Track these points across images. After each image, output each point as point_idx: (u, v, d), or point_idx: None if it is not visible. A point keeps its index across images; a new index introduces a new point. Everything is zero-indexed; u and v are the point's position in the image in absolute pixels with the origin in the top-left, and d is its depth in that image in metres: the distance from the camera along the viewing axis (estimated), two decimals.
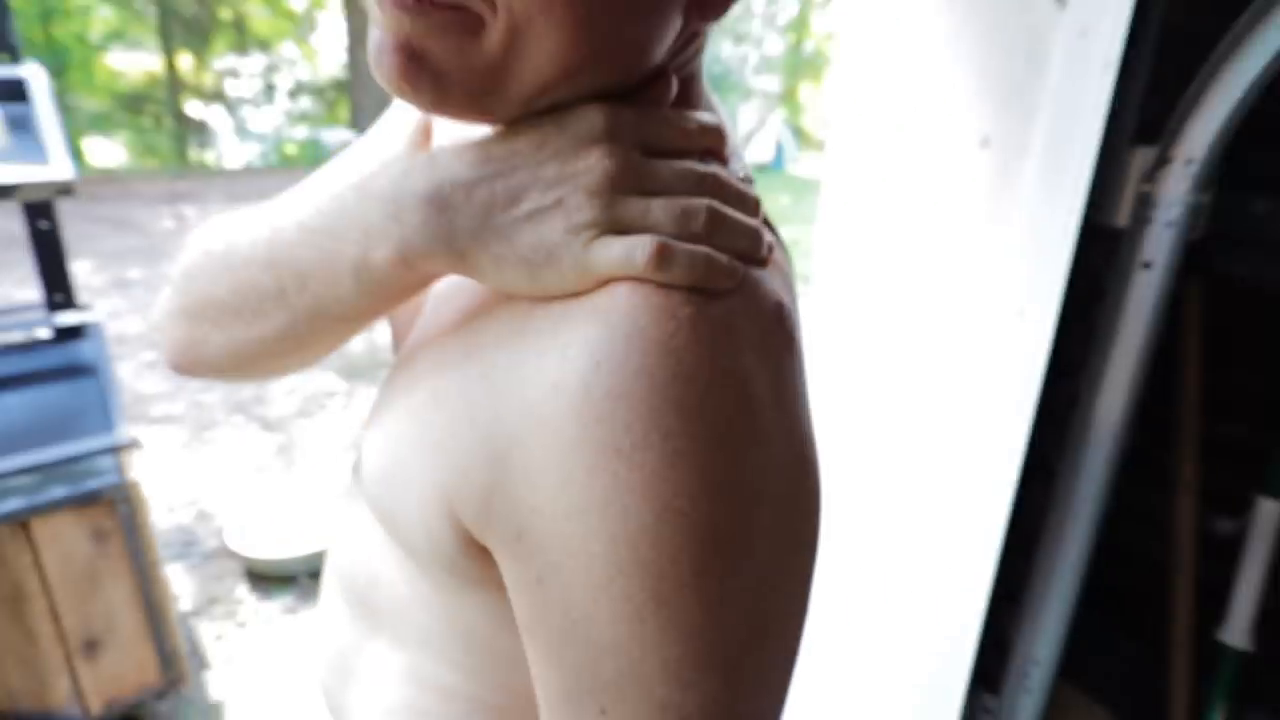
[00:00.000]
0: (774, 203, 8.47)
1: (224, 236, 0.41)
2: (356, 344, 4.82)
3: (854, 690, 1.23)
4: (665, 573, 0.24)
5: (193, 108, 12.00)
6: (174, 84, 11.70)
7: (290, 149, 10.99)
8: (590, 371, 0.26)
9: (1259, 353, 1.17)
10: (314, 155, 10.11)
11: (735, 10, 0.33)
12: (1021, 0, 0.87)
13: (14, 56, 1.23)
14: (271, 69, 12.53)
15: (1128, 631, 1.36)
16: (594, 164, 0.28)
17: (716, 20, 0.32)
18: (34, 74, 1.24)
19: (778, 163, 10.09)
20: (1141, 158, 0.86)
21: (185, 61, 11.95)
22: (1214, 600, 1.15)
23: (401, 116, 0.48)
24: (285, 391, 3.94)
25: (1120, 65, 0.80)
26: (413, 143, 0.37)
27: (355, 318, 0.36)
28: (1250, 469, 1.13)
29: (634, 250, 0.27)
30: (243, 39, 12.30)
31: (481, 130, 0.31)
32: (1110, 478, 0.95)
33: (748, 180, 0.34)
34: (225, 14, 11.98)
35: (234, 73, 12.35)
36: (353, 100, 10.82)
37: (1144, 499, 1.22)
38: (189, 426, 3.50)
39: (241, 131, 11.61)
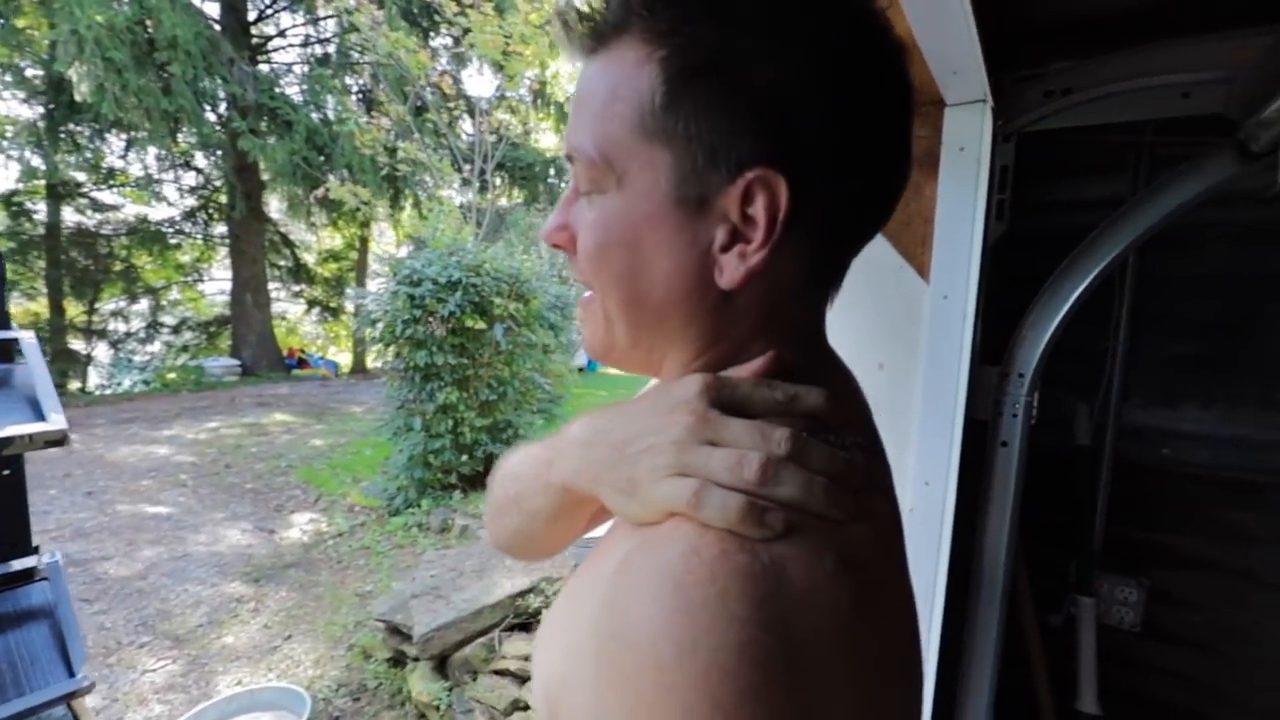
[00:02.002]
0: (595, 397, 9.33)
1: (509, 459, 0.55)
2: (262, 548, 4.19)
3: None
4: None
5: (76, 343, 12.77)
6: (57, 326, 11.85)
7: (170, 375, 11.58)
8: (622, 593, 0.30)
9: (1061, 498, 1.59)
10: (196, 379, 11.25)
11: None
12: (898, 277, 1.21)
13: (4, 323, 1.37)
14: (157, 308, 14.08)
15: (1008, 714, 1.67)
16: (679, 419, 0.35)
17: (734, 287, 0.37)
18: (26, 337, 1.36)
19: (592, 366, 12.37)
20: (993, 373, 1.22)
21: (73, 306, 12.74)
22: (1067, 677, 1.50)
23: None
24: (190, 603, 3.32)
25: (974, 316, 1.15)
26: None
27: (555, 522, 0.47)
28: (1062, 578, 1.52)
29: (680, 489, 0.33)
30: (132, 286, 13.59)
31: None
32: (1003, 608, 1.24)
33: (853, 447, 0.37)
34: (117, 266, 13.14)
35: (122, 314, 13.70)
36: (234, 333, 12.86)
37: None
38: (91, 650, 2.86)
39: (122, 363, 12.32)
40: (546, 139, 12.61)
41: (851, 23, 0.37)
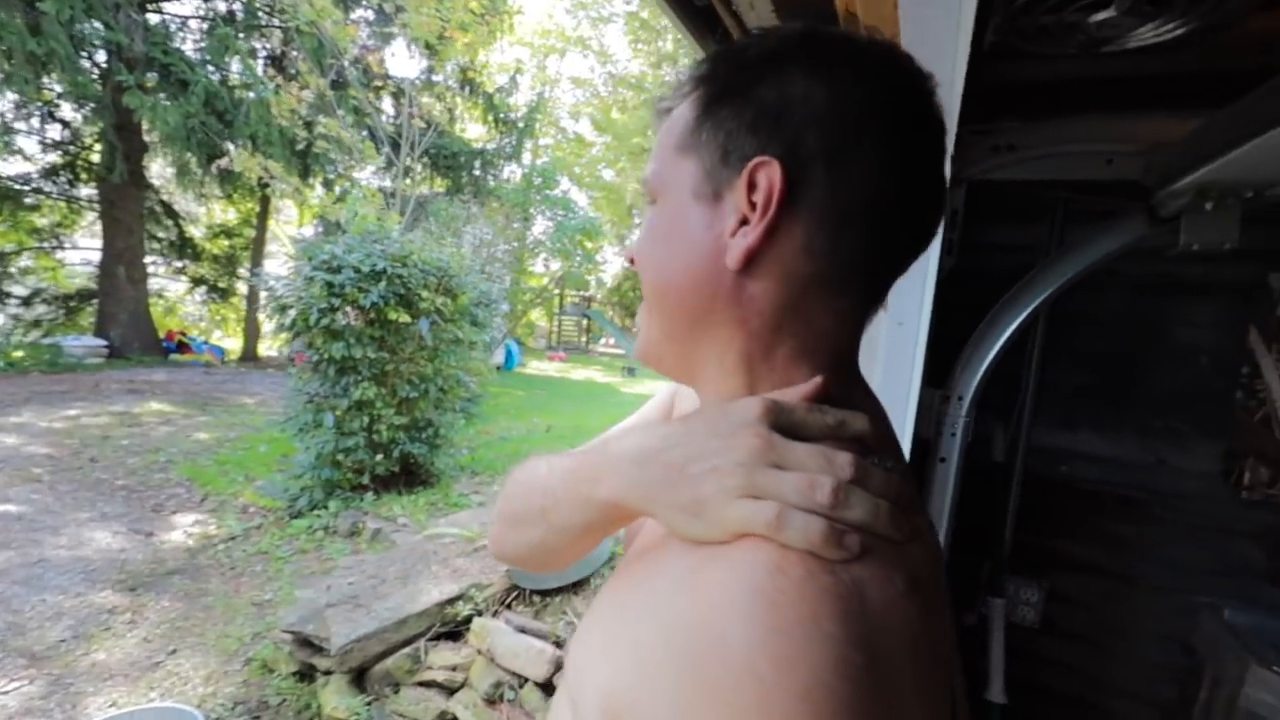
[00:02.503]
0: (512, 397, 9.18)
1: (528, 469, 0.55)
2: (138, 552, 3.72)
3: None
4: None
5: None
6: None
7: (17, 354, 9.68)
8: (708, 613, 0.31)
9: (979, 508, 1.77)
10: (51, 360, 9.69)
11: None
12: None
13: None
14: (4, 276, 12.25)
15: None
16: (743, 441, 0.36)
17: (737, 265, 0.42)
18: None
19: (509, 364, 12.53)
20: (937, 395, 1.34)
21: None
22: (979, 671, 1.66)
23: (663, 394, 0.71)
24: (50, 615, 2.88)
25: (925, 343, 1.26)
26: (652, 417, 0.66)
27: (584, 536, 0.48)
28: (976, 580, 1.69)
29: (759, 511, 0.33)
30: None
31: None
32: None
33: (893, 469, 0.39)
34: None
35: None
36: (102, 309, 11.35)
37: None
38: None
39: None
40: (473, 130, 12.25)
41: (843, 52, 0.43)
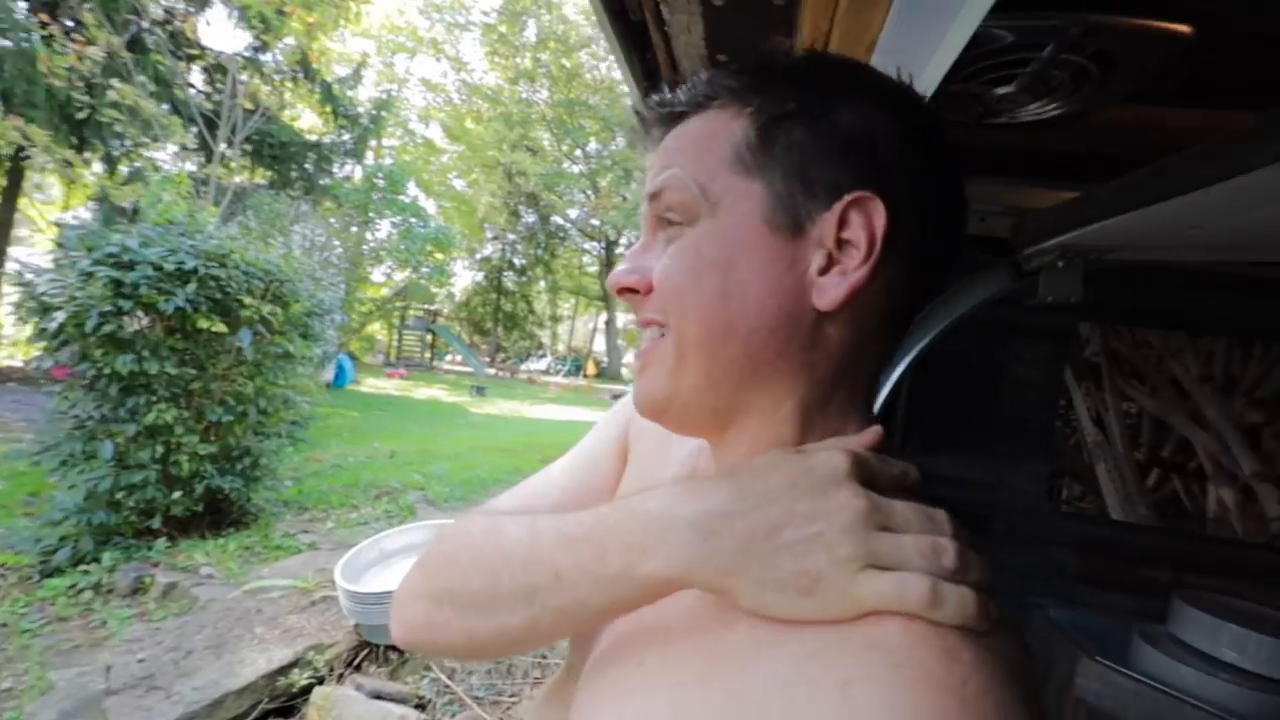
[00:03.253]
0: (346, 418, 8.40)
1: (485, 534, 0.45)
2: None
3: None
4: None
5: None
6: None
7: None
8: (888, 711, 0.26)
9: None
10: None
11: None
12: None
13: None
14: None
15: None
16: (845, 502, 0.32)
17: (835, 307, 0.38)
18: None
19: (340, 381, 11.38)
20: None
21: None
22: None
23: (611, 431, 0.62)
24: None
25: None
26: (604, 456, 0.58)
27: (591, 620, 0.39)
28: None
29: (906, 586, 0.29)
30: None
31: (724, 468, 0.41)
32: None
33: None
34: None
35: None
36: None
37: None
38: None
39: None
40: (309, 122, 11.05)
41: (891, 87, 0.42)
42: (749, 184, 0.39)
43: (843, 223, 0.38)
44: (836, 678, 0.29)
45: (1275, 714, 1.13)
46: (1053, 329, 1.76)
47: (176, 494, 3.74)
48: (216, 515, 4.11)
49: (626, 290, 0.44)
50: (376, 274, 12.87)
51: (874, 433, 0.40)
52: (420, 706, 2.08)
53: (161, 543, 3.72)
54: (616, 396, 16.57)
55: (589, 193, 24.28)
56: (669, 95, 0.44)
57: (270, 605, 2.63)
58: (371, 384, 13.23)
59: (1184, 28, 0.91)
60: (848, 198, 0.38)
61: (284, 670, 2.16)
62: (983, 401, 1.79)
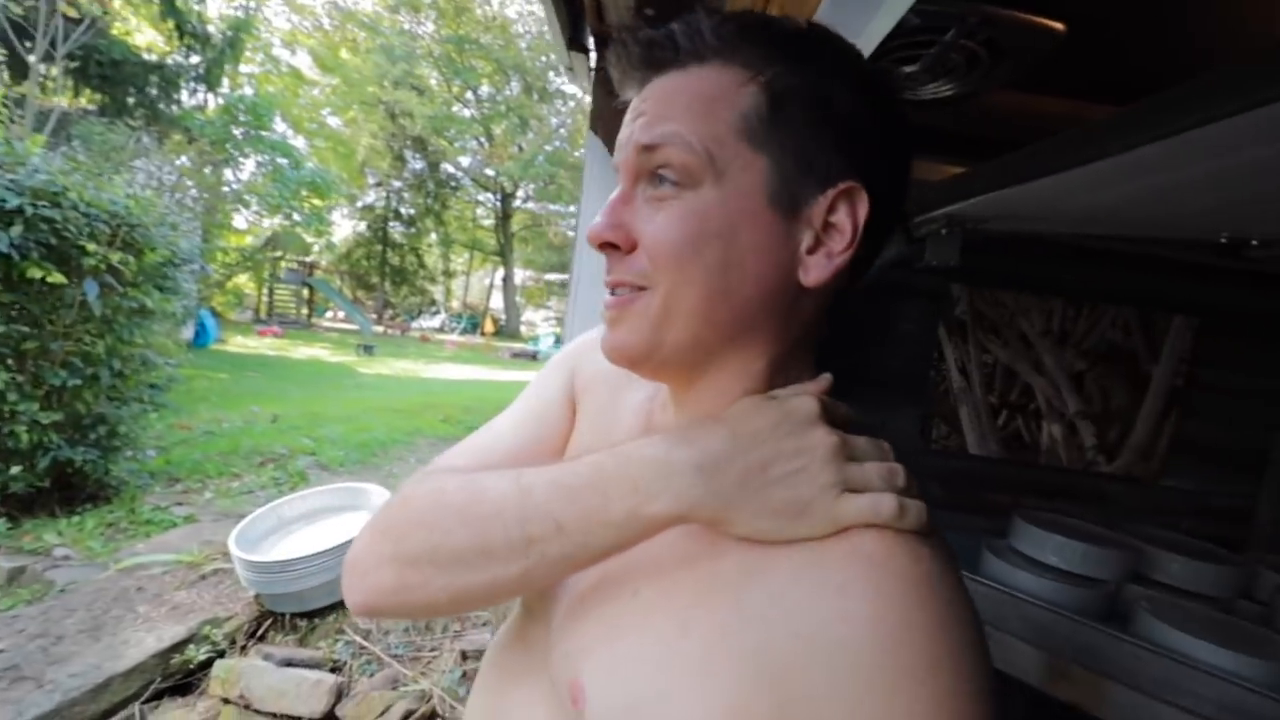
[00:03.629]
0: (213, 380, 7.57)
1: (463, 491, 0.46)
2: None
3: None
4: None
5: None
6: None
7: None
8: (882, 603, 0.33)
9: None
10: None
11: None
12: None
13: None
14: None
15: None
16: (821, 439, 0.38)
17: (818, 284, 0.42)
18: None
19: (203, 340, 10.12)
20: None
21: None
22: None
23: (555, 385, 0.63)
24: None
25: None
26: (556, 403, 0.60)
27: (588, 563, 0.42)
28: None
29: (879, 503, 0.36)
30: None
31: (705, 415, 0.43)
32: None
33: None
34: None
35: None
36: None
37: None
38: None
39: None
40: (146, 36, 9.47)
41: (878, 76, 0.45)
42: (755, 156, 0.40)
43: (832, 207, 0.41)
44: (833, 582, 0.34)
45: (1088, 604, 1.40)
46: (931, 290, 1.98)
47: (15, 469, 3.26)
48: (68, 491, 3.64)
49: (608, 245, 0.43)
50: (240, 220, 11.51)
51: (826, 380, 0.45)
52: (335, 669, 2.03)
53: (1, 524, 3.25)
54: (517, 355, 16.26)
55: (482, 140, 22.97)
56: (663, 36, 0.43)
57: (153, 583, 2.41)
58: (240, 343, 12.00)
59: (1059, 25, 1.04)
60: (840, 186, 0.41)
61: (178, 647, 2.00)
62: (874, 354, 1.99)
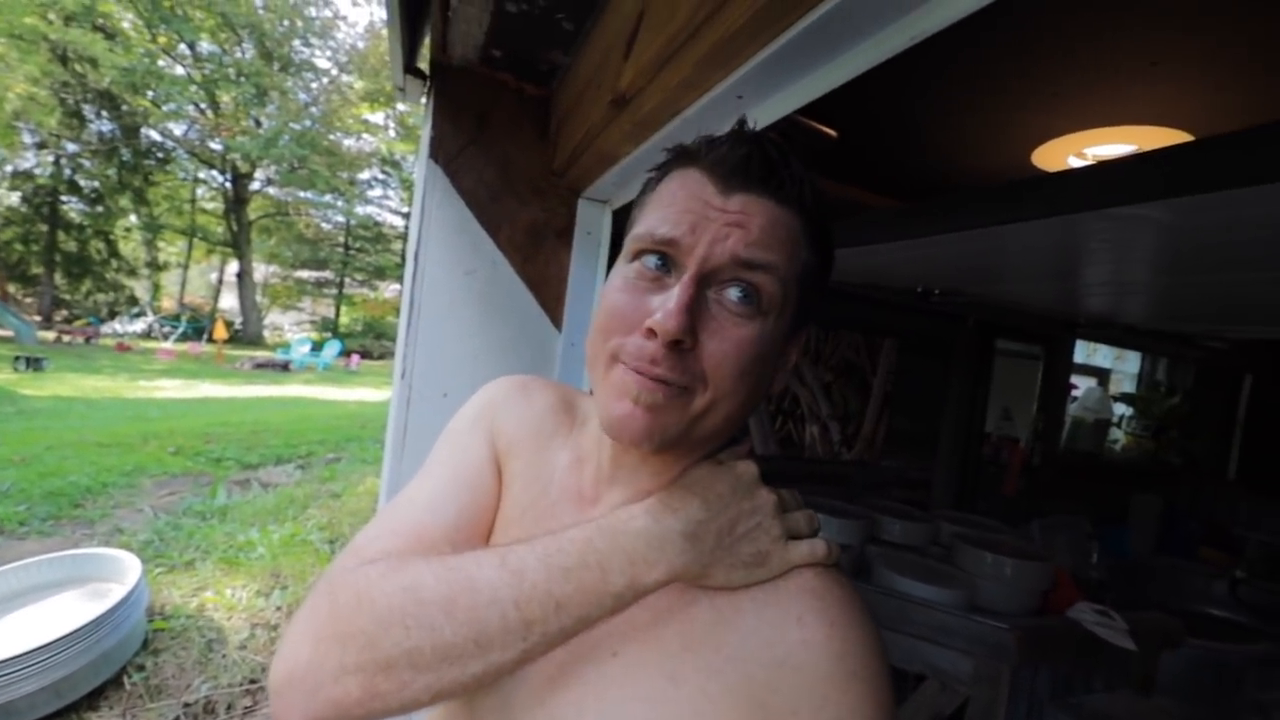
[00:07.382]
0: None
1: (445, 581, 0.43)
2: None
3: None
4: None
5: None
6: None
7: None
8: (830, 627, 0.42)
9: None
10: None
11: None
12: (537, 325, 1.44)
13: None
14: None
15: None
16: (765, 498, 0.47)
17: (775, 391, 0.52)
18: None
19: None
20: None
21: None
22: None
23: (478, 450, 0.60)
24: None
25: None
26: (565, 483, 0.57)
27: (583, 631, 0.44)
28: None
29: (815, 547, 0.46)
30: None
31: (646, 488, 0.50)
32: None
33: None
34: None
35: None
36: None
37: None
38: None
39: None
40: None
41: (832, 240, 0.53)
42: (790, 302, 0.47)
43: (795, 340, 0.52)
44: (791, 614, 0.43)
45: (844, 566, 1.80)
46: None
47: None
48: None
49: (675, 343, 0.43)
50: None
51: (749, 443, 0.60)
52: None
53: None
54: (261, 366, 13.77)
55: (204, 107, 19.05)
56: (781, 165, 0.46)
57: None
58: None
59: (831, 131, 1.34)
60: (805, 331, 0.52)
61: None
62: None
